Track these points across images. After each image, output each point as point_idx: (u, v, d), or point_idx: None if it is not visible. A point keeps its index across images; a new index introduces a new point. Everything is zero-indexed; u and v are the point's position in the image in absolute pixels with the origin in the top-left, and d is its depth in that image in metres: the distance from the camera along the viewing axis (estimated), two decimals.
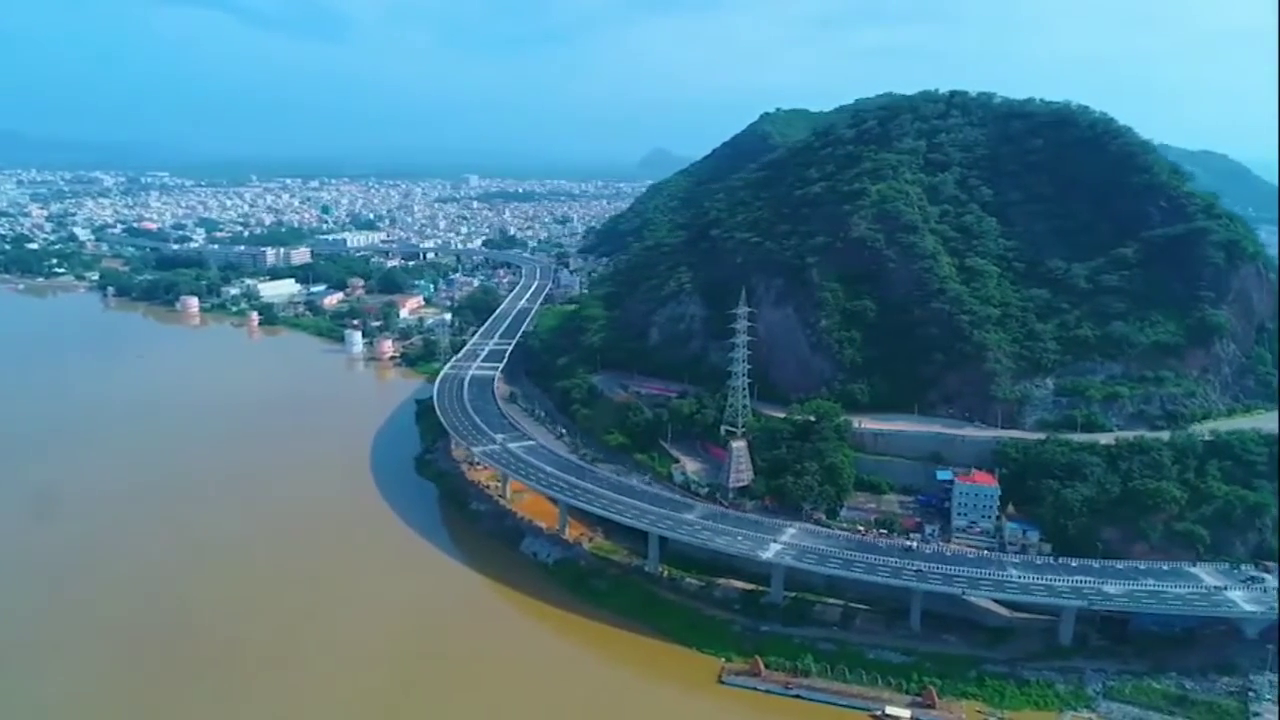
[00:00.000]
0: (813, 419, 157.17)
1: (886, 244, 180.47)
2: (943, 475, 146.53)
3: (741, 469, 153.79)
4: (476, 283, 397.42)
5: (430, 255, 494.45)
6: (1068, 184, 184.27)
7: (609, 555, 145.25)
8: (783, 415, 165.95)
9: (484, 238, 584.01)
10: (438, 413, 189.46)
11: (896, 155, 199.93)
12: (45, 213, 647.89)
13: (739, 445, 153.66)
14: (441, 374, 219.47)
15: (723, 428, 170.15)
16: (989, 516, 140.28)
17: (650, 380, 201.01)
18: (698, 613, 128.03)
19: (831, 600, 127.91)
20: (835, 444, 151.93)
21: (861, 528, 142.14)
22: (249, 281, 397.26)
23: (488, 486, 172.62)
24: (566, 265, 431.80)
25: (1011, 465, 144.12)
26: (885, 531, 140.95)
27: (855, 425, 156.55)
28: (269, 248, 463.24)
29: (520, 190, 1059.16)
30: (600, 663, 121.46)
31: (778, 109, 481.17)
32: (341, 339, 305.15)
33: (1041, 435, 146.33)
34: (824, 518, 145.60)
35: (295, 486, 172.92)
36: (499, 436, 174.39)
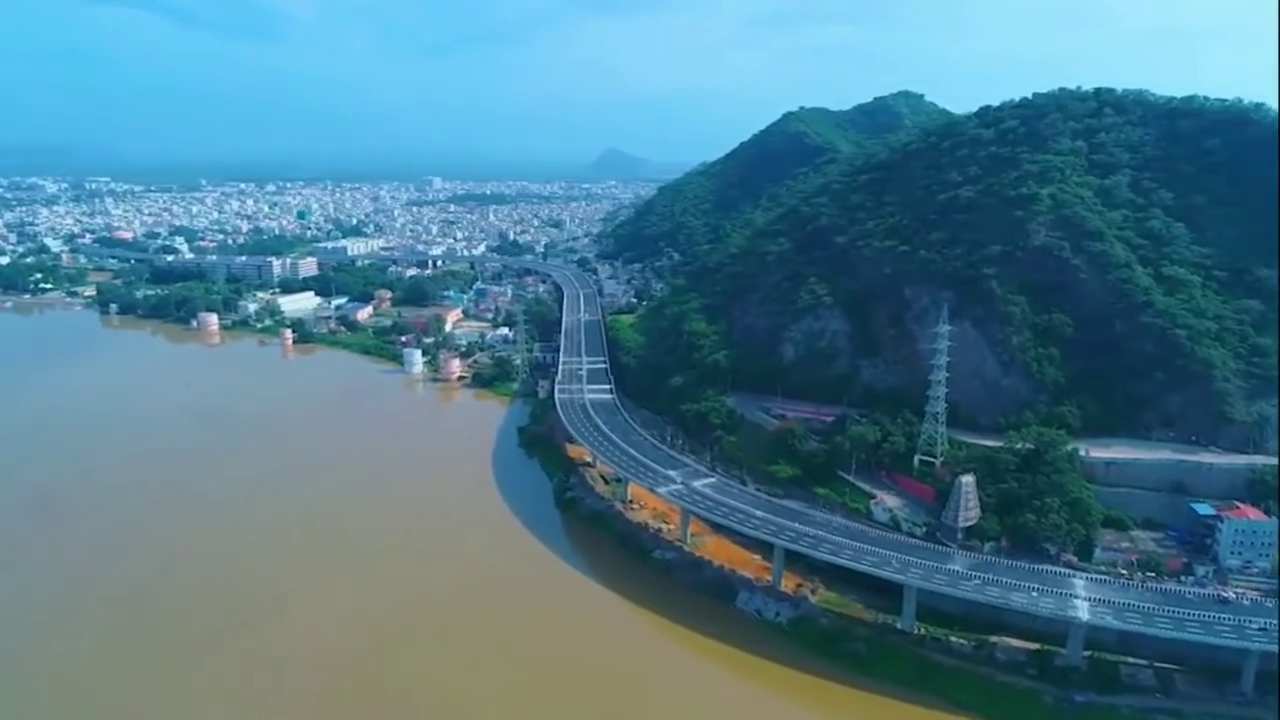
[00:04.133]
0: (1034, 447, 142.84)
1: (1072, 253, 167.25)
2: (1203, 510, 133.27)
3: (970, 506, 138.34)
4: (509, 293, 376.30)
5: (439, 263, 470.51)
6: (1253, 186, 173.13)
7: (842, 610, 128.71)
8: (980, 442, 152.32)
9: (485, 243, 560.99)
10: (589, 448, 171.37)
11: (1059, 157, 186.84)
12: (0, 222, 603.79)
13: (968, 480, 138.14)
14: (560, 399, 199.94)
15: (917, 458, 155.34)
16: (1266, 555, 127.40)
17: (794, 403, 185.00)
18: (990, 680, 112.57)
19: (1133, 660, 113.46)
20: (1072, 476, 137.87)
21: (1124, 570, 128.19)
22: (263, 295, 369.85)
23: (660, 530, 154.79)
24: (595, 272, 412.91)
25: (1276, 497, 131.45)
26: (1152, 575, 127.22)
27: (1083, 454, 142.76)
28: (274, 258, 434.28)
29: (488, 192, 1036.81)
30: None
31: (801, 107, 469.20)
32: (391, 357, 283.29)
33: None
34: (1075, 560, 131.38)
35: (455, 541, 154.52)
36: (672, 473, 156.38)
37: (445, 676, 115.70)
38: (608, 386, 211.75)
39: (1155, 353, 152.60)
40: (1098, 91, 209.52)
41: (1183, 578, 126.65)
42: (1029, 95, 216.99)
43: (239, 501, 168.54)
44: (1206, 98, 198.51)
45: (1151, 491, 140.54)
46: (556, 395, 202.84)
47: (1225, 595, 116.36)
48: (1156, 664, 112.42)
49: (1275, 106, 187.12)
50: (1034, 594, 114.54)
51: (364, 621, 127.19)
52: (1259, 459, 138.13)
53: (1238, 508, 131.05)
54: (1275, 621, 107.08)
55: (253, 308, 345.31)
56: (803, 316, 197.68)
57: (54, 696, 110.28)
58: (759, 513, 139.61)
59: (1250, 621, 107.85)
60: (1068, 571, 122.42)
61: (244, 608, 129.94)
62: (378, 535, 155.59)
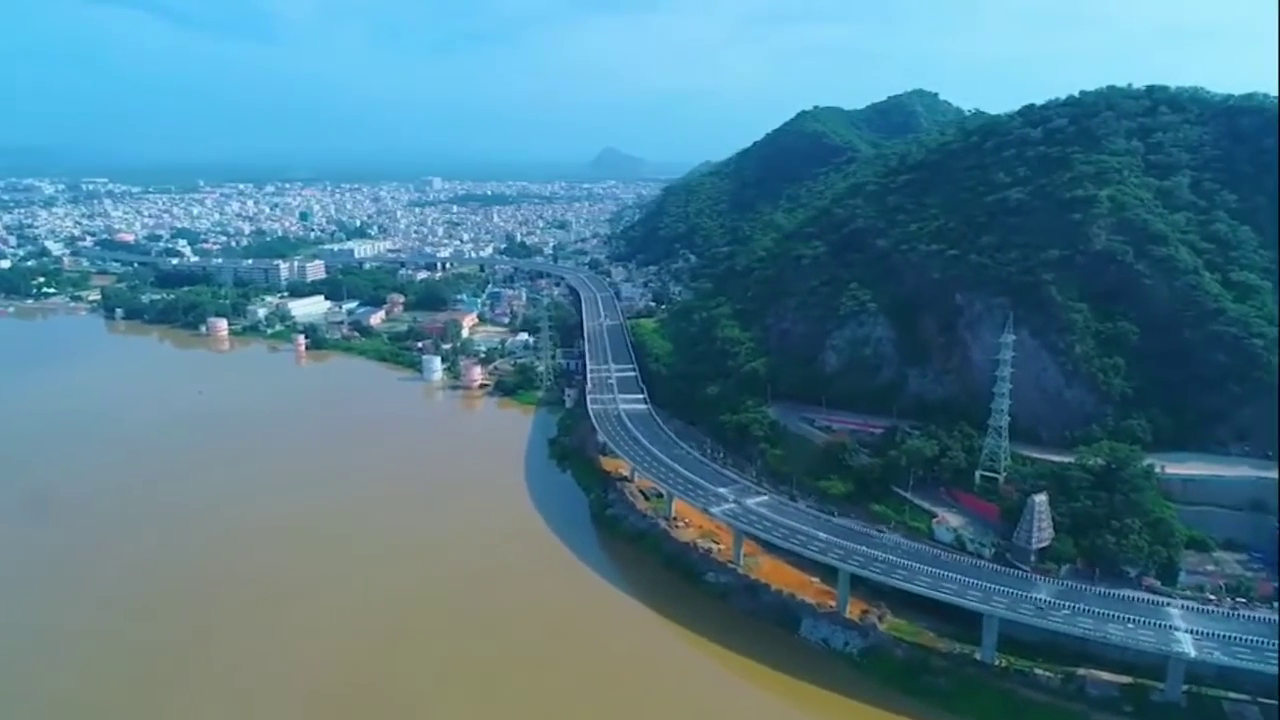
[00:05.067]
0: (1107, 464, 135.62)
1: (1135, 257, 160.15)
2: None
3: (1044, 526, 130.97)
4: (524, 296, 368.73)
5: (448, 265, 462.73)
6: None
7: (914, 639, 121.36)
8: (1043, 458, 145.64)
9: (492, 245, 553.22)
10: (631, 464, 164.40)
11: (1114, 157, 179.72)
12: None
13: (1041, 499, 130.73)
14: (594, 410, 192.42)
15: (979, 474, 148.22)
16: None
17: (839, 414, 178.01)
18: (1084, 718, 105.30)
19: (1234, 695, 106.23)
20: (1151, 495, 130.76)
21: (1211, 595, 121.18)
22: (272, 299, 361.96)
23: (710, 550, 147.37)
24: (608, 274, 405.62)
25: None
26: (1242, 600, 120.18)
27: (1158, 470, 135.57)
28: (281, 260, 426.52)
29: (488, 192, 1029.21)
30: None
31: (815, 106, 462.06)
32: (408, 364, 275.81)
33: None
34: (1158, 584, 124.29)
35: (493, 560, 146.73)
36: (723, 491, 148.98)
37: (490, 705, 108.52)
38: (641, 396, 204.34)
39: (1229, 363, 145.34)
40: (1150, 89, 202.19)
41: (1275, 603, 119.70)
42: (1075, 93, 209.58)
43: (268, 512, 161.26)
44: (1266, 95, 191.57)
45: (1231, 510, 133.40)
46: (589, 405, 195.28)
47: None
48: (1261, 700, 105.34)
49: None
50: (1130, 625, 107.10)
51: (399, 641, 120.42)
52: None
53: None
54: None
55: (262, 313, 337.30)
56: (845, 323, 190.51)
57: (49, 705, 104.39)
58: (821, 534, 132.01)
59: None
60: (1162, 600, 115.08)
61: (276, 627, 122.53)
62: (408, 550, 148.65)
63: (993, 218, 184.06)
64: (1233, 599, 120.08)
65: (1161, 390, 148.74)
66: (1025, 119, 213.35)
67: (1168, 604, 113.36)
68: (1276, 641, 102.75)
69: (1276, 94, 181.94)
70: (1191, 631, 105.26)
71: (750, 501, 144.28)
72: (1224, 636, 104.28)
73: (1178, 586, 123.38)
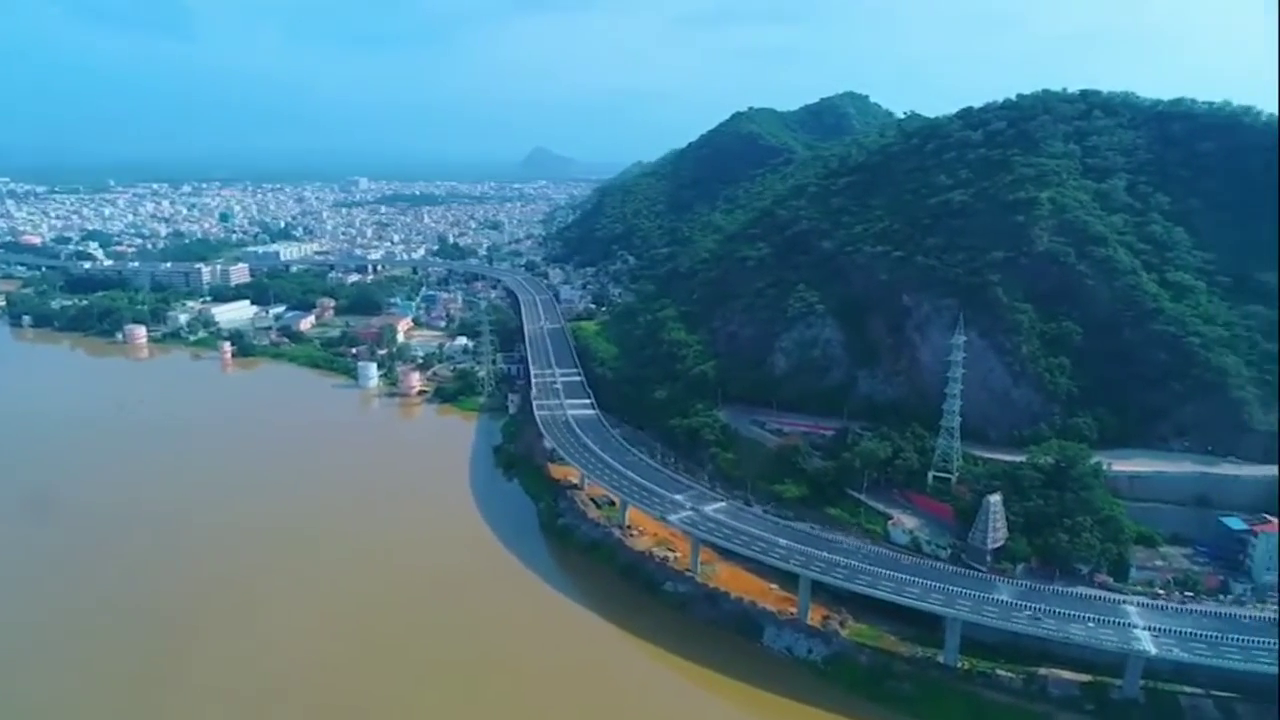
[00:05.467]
0: (1058, 462, 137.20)
1: (1077, 258, 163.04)
2: (1235, 524, 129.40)
3: (999, 526, 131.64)
4: (460, 299, 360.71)
5: (379, 268, 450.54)
6: (1249, 190, 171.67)
7: (877, 644, 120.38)
8: (993, 457, 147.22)
9: (424, 246, 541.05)
10: (584, 472, 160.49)
11: (1053, 160, 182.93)
12: None
13: (995, 499, 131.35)
14: (540, 416, 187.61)
15: (931, 474, 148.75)
16: None
17: (790, 416, 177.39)
18: (1049, 718, 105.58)
19: (1190, 689, 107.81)
20: (1100, 492, 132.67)
21: (1161, 590, 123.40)
22: (194, 304, 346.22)
23: (666, 559, 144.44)
24: (546, 276, 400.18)
25: None
26: (1190, 594, 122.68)
27: (1105, 467, 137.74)
28: (202, 264, 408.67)
29: (416, 193, 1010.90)
30: None
31: (750, 108, 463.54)
32: (342, 370, 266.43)
33: None
34: (1110, 580, 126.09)
35: (442, 574, 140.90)
36: (679, 498, 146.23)
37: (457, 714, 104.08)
38: (589, 401, 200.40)
39: (1169, 361, 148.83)
40: (1084, 93, 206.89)
41: (1221, 596, 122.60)
42: (1012, 97, 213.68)
43: (199, 533, 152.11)
44: (1195, 100, 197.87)
45: (1176, 506, 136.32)
46: (536, 412, 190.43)
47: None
48: (1214, 692, 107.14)
49: (1272, 110, 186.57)
50: (1091, 625, 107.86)
51: (342, 663, 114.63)
52: None
53: (1268, 521, 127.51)
54: None
55: (184, 318, 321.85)
56: (793, 325, 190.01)
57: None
58: (782, 540, 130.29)
59: None
60: (1119, 597, 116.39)
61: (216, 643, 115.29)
62: (353, 564, 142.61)
63: (937, 219, 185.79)
64: (1181, 593, 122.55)
65: (1105, 389, 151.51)
66: (964, 121, 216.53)
67: (1125, 602, 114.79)
68: (1238, 638, 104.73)
69: (1276, 106, 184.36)
70: (1150, 629, 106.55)
71: (708, 508, 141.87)
72: (1181, 633, 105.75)
73: (1129, 583, 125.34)
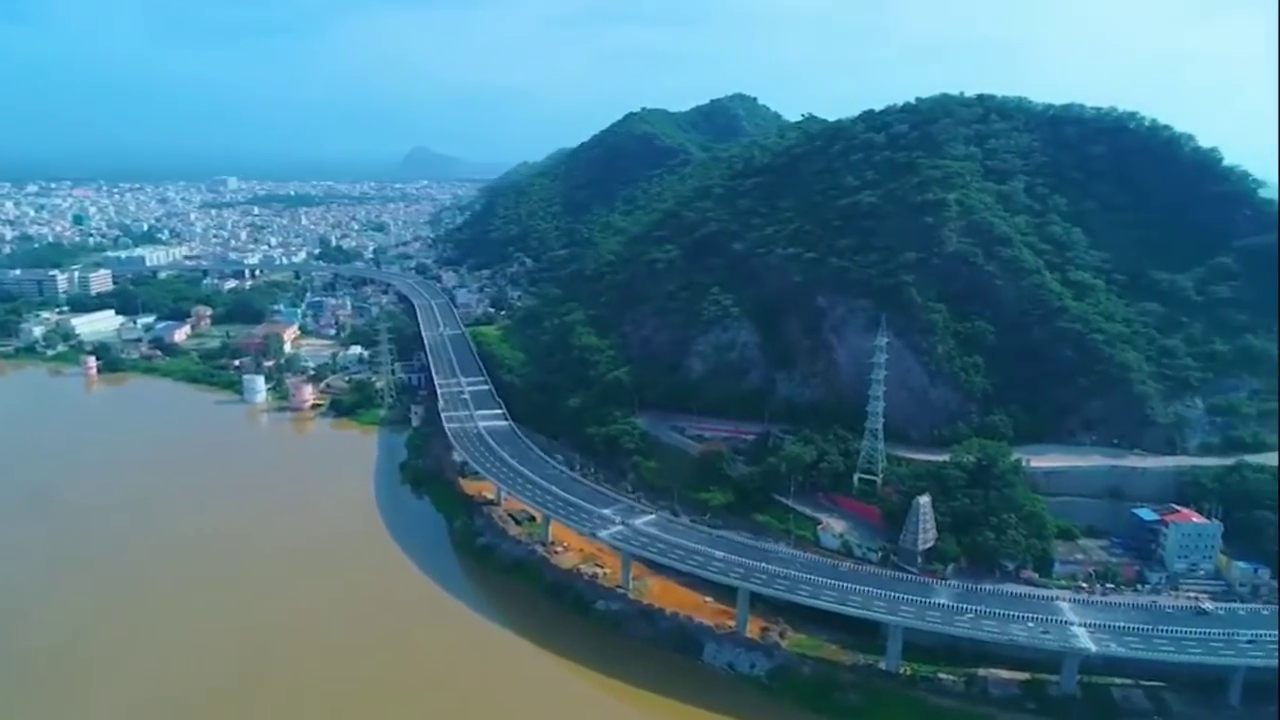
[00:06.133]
0: (980, 461, 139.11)
1: (985, 259, 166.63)
2: (1146, 515, 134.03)
3: (928, 527, 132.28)
4: (349, 305, 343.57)
5: (257, 273, 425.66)
6: (1138, 192, 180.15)
7: (818, 654, 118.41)
8: (914, 457, 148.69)
9: (304, 249, 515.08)
10: (504, 488, 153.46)
11: (957, 162, 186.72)
12: None
13: (924, 500, 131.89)
14: (451, 429, 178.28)
15: (857, 476, 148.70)
16: (1209, 558, 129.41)
17: (709, 421, 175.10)
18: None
19: (1120, 680, 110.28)
20: (1022, 489, 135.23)
21: (1084, 584, 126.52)
22: (49, 315, 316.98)
23: (595, 575, 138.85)
24: (439, 279, 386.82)
25: (1209, 497, 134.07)
26: (1111, 586, 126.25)
27: (1025, 464, 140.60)
28: (57, 270, 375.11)
29: (291, 193, 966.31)
30: None
31: (643, 109, 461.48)
32: (224, 385, 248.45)
33: (1228, 461, 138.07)
34: (1035, 576, 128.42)
35: (355, 606, 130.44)
36: (606, 511, 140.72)
37: None
38: (500, 411, 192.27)
39: (1075, 358, 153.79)
40: (980, 98, 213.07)
41: (1139, 586, 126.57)
42: (911, 100, 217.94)
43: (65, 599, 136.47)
44: (1083, 105, 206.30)
45: (1090, 499, 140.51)
46: (446, 424, 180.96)
47: (1203, 607, 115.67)
48: (1142, 682, 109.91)
49: (1146, 116, 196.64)
50: (1031, 625, 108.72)
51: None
52: (1186, 460, 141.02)
53: (1176, 511, 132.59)
54: (1263, 634, 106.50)
55: (39, 331, 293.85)
56: (709, 329, 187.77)
57: None
58: (719, 553, 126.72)
59: (1237, 634, 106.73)
60: (1051, 594, 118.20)
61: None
62: (254, 595, 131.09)
63: (848, 221, 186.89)
64: (1103, 585, 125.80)
65: (1016, 386, 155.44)
66: (867, 124, 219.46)
67: (1056, 598, 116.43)
68: (1167, 630, 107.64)
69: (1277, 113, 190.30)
70: (1085, 625, 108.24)
71: (638, 522, 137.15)
72: (1115, 628, 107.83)
73: (1053, 577, 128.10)
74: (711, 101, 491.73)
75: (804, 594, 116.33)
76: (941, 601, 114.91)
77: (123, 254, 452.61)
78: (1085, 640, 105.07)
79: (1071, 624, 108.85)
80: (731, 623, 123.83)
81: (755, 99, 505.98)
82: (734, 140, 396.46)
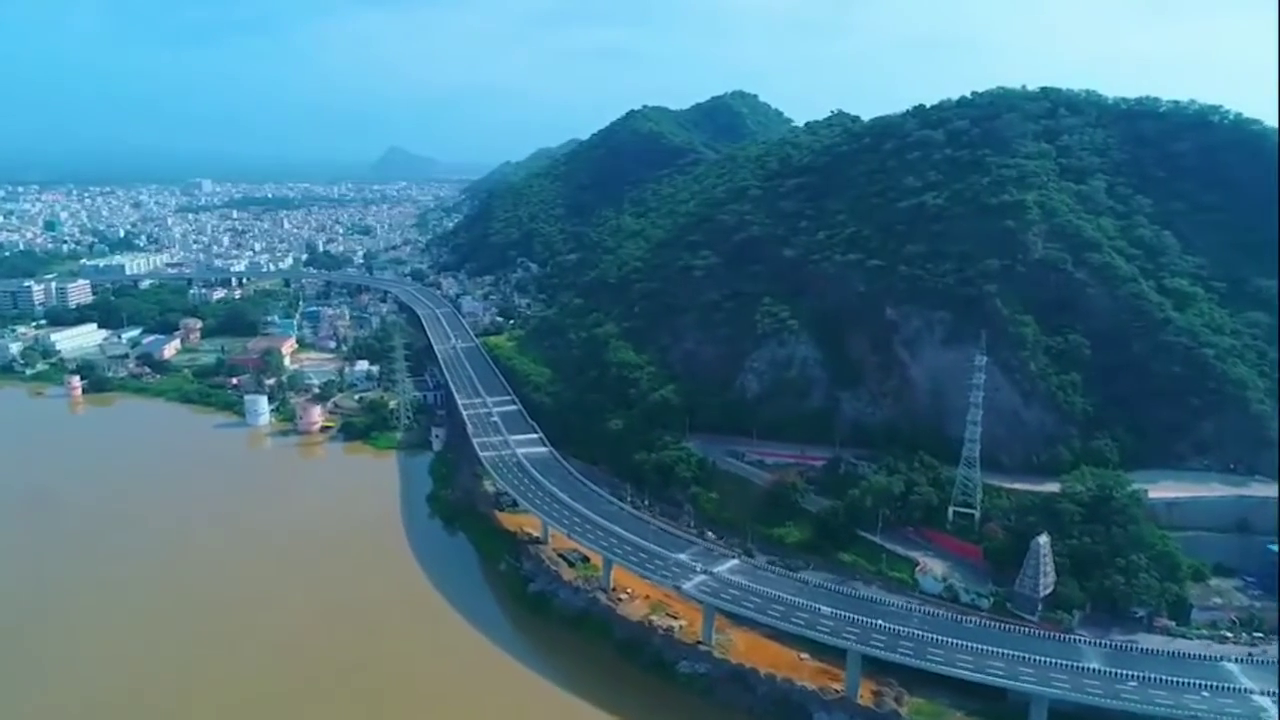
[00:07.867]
0: (1097, 493, 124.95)
1: (1075, 266, 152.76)
2: None
3: (1048, 571, 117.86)
4: (348, 315, 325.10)
5: (245, 281, 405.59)
6: (1230, 191, 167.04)
7: None
8: (1011, 486, 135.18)
9: (291, 255, 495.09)
10: (557, 528, 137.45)
11: (1031, 161, 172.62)
12: None
13: (1044, 540, 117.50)
14: (486, 457, 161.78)
15: (951, 510, 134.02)
16: None
17: (769, 445, 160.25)
18: None
19: None
20: (1148, 525, 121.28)
21: (1229, 634, 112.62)
22: (25, 329, 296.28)
23: (671, 629, 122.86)
24: (438, 286, 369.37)
25: None
26: (1260, 635, 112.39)
27: (1145, 495, 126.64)
28: (31, 280, 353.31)
29: (268, 195, 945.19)
30: None
31: (645, 106, 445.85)
32: (223, 406, 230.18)
33: None
34: (1172, 625, 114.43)
35: (409, 671, 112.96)
36: (683, 557, 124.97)
37: None
38: (537, 436, 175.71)
39: (1183, 374, 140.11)
40: (1045, 91, 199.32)
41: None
42: (967, 94, 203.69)
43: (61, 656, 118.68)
44: (1159, 99, 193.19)
45: (1218, 533, 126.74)
46: (480, 452, 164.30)
47: None
48: None
49: (1230, 110, 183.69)
50: (1205, 694, 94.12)
51: None
52: None
53: None
54: None
55: (15, 348, 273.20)
56: (764, 342, 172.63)
57: None
58: (825, 608, 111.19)
59: None
60: (1215, 652, 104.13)
61: None
62: (292, 656, 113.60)
63: (913, 225, 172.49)
64: (1250, 634, 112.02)
65: (1119, 406, 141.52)
66: (920, 120, 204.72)
67: (1221, 657, 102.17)
68: None
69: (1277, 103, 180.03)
70: (1268, 694, 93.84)
71: (721, 569, 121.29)
72: None
73: (1191, 625, 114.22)
74: (712, 99, 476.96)
75: (937, 660, 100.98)
76: (1094, 666, 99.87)
77: (100, 262, 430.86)
78: (1272, 712, 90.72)
79: (1251, 692, 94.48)
80: (837, 686, 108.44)
81: (756, 96, 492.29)
82: (737, 138, 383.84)
